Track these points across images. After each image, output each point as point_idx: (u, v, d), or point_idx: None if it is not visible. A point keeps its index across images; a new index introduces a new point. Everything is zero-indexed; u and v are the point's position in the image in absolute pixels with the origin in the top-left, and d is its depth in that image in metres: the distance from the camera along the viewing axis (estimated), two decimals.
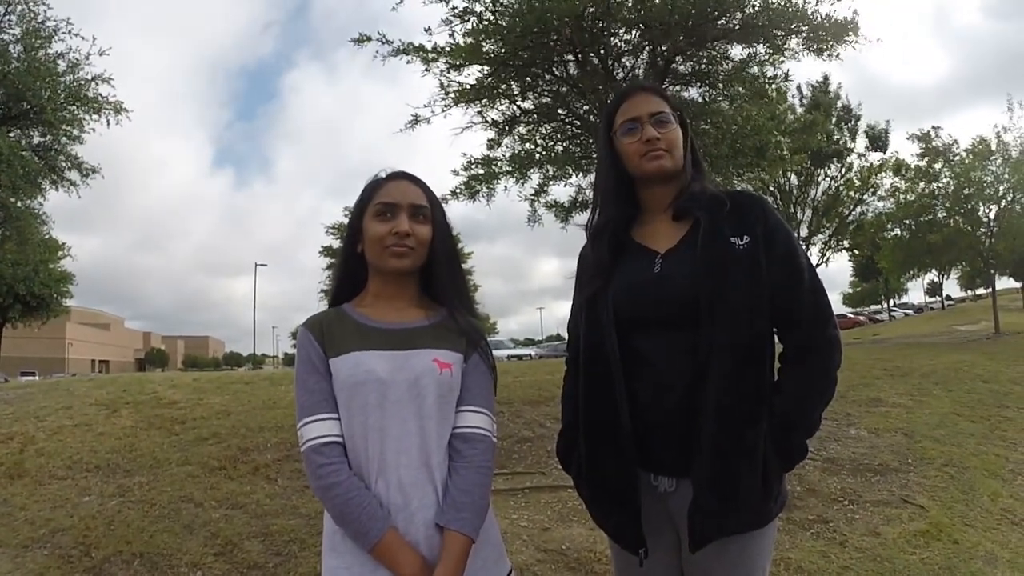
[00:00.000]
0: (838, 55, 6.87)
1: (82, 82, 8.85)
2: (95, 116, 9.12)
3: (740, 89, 7.49)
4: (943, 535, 3.12)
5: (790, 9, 6.44)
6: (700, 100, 7.74)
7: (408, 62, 7.03)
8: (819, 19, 6.58)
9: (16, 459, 4.53)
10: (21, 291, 21.10)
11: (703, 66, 7.47)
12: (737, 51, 7.34)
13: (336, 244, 26.82)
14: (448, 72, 7.15)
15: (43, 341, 46.57)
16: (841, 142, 21.26)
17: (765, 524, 1.14)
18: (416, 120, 7.46)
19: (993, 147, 16.33)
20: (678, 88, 7.72)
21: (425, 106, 7.38)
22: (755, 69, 7.49)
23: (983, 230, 16.85)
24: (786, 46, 6.97)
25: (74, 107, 8.96)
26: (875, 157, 22.08)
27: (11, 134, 8.63)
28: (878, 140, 22.75)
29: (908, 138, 17.38)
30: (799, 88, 21.45)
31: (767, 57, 7.23)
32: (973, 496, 3.72)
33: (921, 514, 3.42)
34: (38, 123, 8.89)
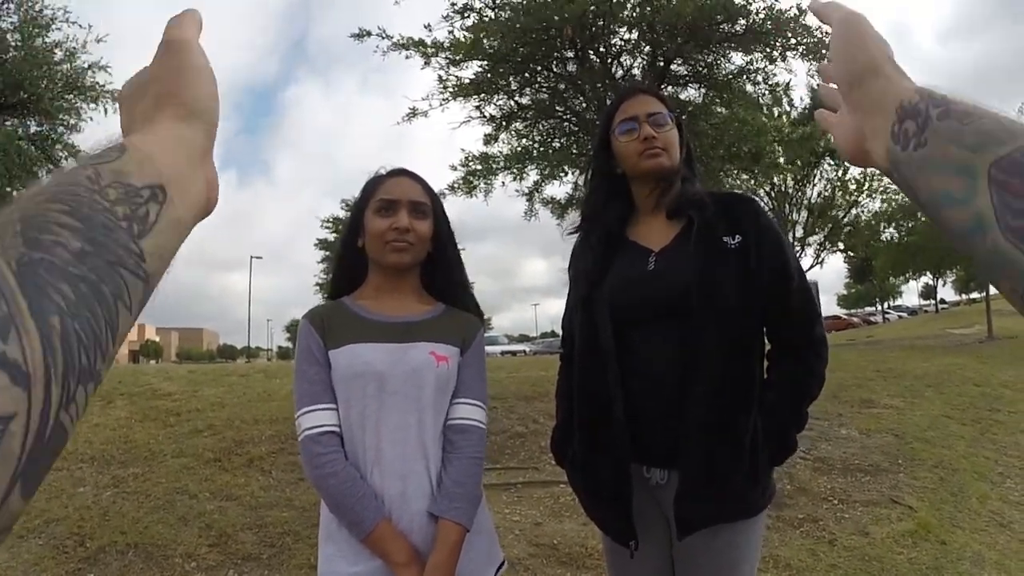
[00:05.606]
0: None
1: (79, 71, 8.79)
2: (92, 105, 9.06)
3: (746, 86, 7.46)
4: (931, 536, 3.16)
5: (792, 24, 6.43)
6: (700, 101, 7.75)
7: (407, 57, 7.04)
8: (821, 35, 6.58)
9: None
10: None
11: (701, 69, 7.47)
12: (737, 58, 7.35)
13: (331, 237, 26.80)
14: (448, 67, 7.16)
15: None
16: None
17: (753, 515, 1.16)
18: (414, 113, 7.43)
19: None
20: (676, 89, 7.73)
21: (423, 99, 7.38)
22: (754, 76, 7.50)
23: None
24: (782, 56, 6.97)
25: (71, 96, 8.90)
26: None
27: (8, 123, 8.57)
28: None
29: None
30: (789, 101, 21.41)
31: (763, 66, 7.25)
32: (962, 498, 3.76)
33: (910, 514, 3.45)
34: (35, 112, 8.82)
